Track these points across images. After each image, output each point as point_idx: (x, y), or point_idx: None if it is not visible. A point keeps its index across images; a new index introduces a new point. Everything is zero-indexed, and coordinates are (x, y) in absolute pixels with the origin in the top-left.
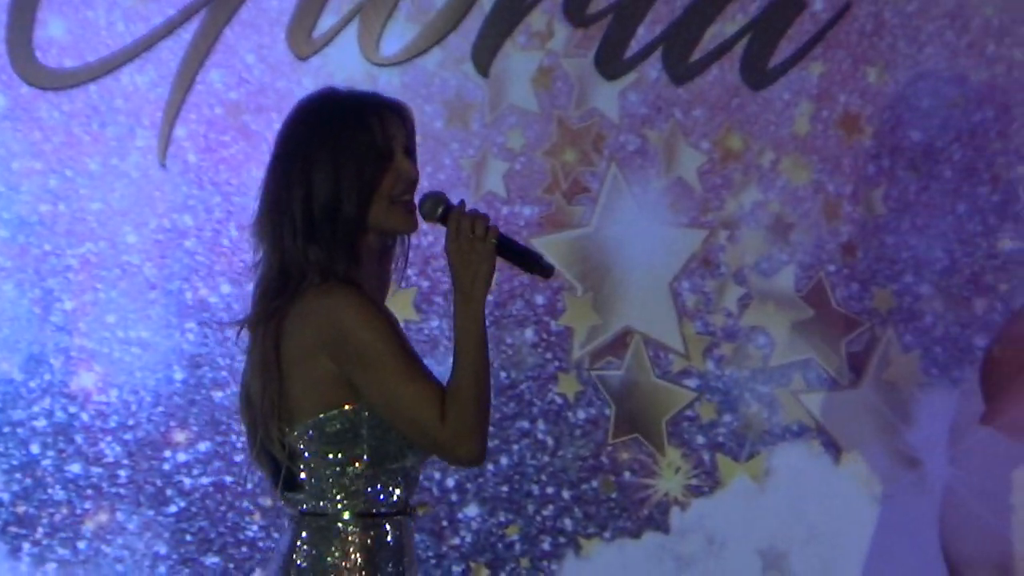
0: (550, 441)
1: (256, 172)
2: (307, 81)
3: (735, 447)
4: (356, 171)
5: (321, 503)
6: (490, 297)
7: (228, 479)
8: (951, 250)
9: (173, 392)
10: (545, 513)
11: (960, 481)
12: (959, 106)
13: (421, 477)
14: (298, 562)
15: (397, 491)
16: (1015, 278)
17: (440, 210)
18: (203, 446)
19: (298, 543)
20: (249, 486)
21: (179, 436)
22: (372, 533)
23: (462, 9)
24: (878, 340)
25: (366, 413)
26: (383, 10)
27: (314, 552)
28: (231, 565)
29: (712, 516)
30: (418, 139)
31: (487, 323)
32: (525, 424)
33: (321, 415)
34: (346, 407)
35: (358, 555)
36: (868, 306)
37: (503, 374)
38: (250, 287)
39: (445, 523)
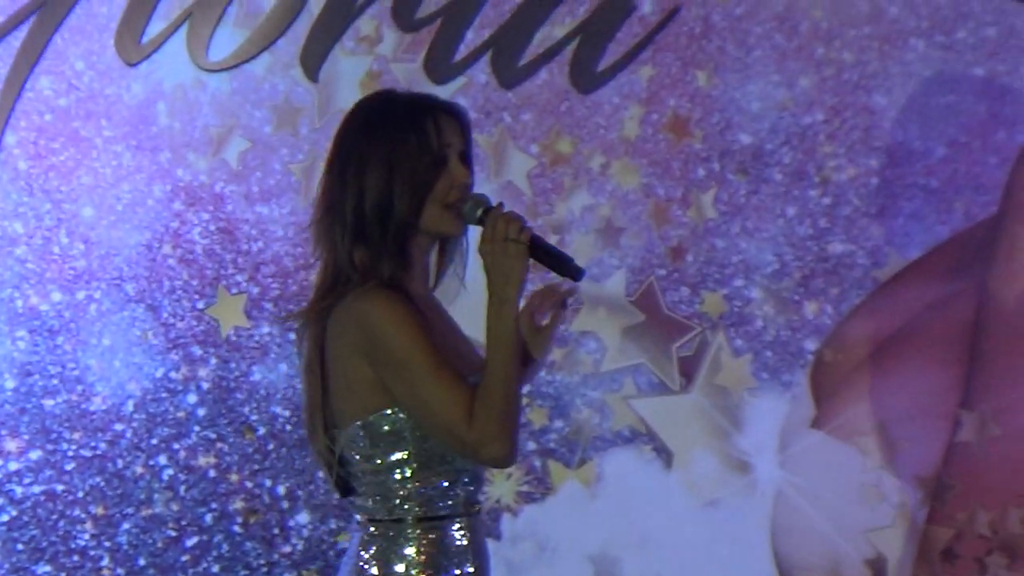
0: None
1: (86, 178)
2: (136, 87)
3: (566, 453)
4: (410, 173)
5: (379, 508)
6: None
7: (59, 488)
8: (781, 253)
9: (4, 400)
10: None
11: (791, 485)
12: (788, 109)
13: (483, 474)
14: (366, 568)
15: (457, 490)
16: (845, 281)
17: (480, 212)
18: (34, 455)
19: (362, 551)
20: (80, 494)
21: (10, 445)
22: (434, 536)
23: (290, 14)
24: (709, 344)
25: (405, 415)
26: (211, 15)
27: (380, 559)
28: (62, 574)
29: (543, 522)
30: (247, 145)
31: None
32: None
33: (367, 418)
34: (387, 411)
35: (424, 558)
36: (698, 310)
37: None
38: (81, 295)
39: (276, 531)
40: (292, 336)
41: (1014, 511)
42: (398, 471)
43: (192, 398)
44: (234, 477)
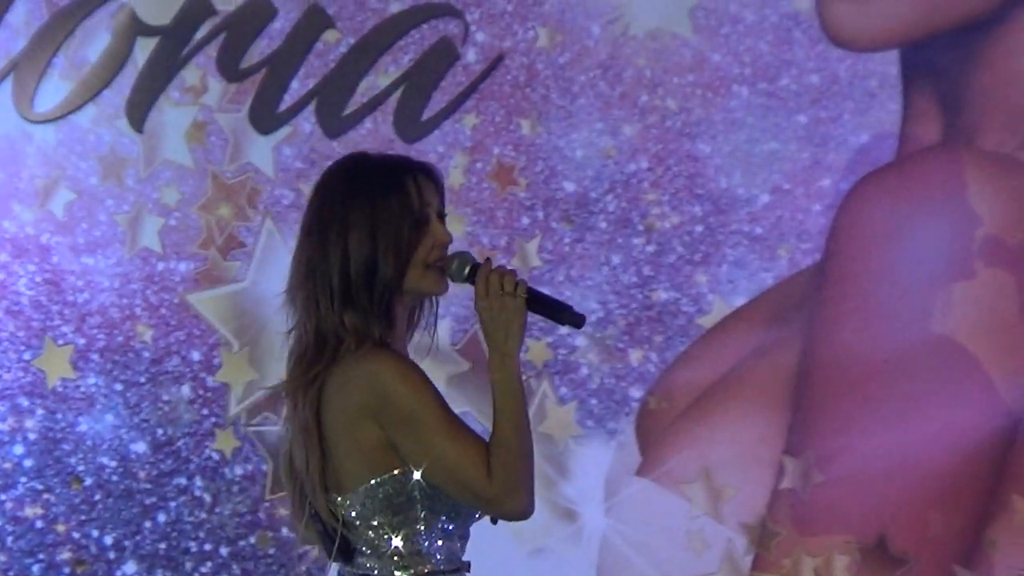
0: (207, 498)
1: None
2: None
3: None
4: (394, 235)
5: (380, 570)
6: (146, 353)
7: None
8: (606, 301)
9: None
10: (203, 570)
11: (616, 533)
12: (612, 157)
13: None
14: None
15: (455, 548)
16: (670, 329)
17: (467, 270)
18: None
19: None
20: None
21: None
22: None
23: (115, 65)
24: (533, 393)
25: (416, 476)
26: (37, 67)
27: None
28: None
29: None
30: (72, 195)
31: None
32: (182, 481)
33: (372, 481)
34: (396, 471)
35: None
36: (523, 358)
37: (159, 431)
38: None
39: None
40: (118, 387)
41: (839, 557)
42: (405, 531)
43: (19, 449)
44: (61, 528)
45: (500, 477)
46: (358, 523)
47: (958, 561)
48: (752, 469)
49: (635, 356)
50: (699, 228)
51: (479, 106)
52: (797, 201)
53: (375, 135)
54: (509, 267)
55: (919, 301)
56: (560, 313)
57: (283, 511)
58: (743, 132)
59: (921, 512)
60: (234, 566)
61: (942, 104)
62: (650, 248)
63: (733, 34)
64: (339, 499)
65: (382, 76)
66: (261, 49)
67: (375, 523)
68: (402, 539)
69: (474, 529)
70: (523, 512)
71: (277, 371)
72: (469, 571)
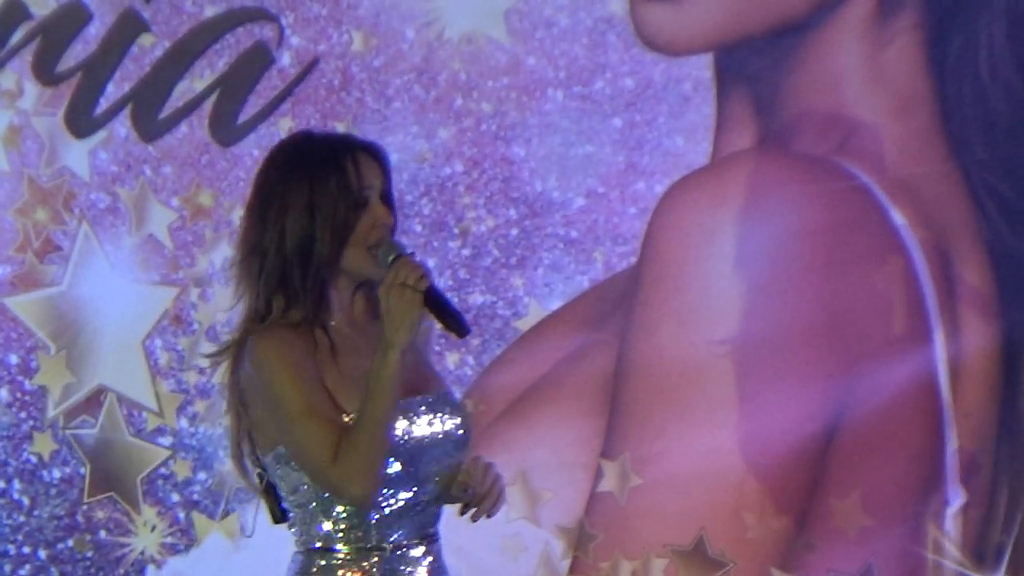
0: (25, 501)
1: None
2: None
3: (210, 505)
4: (331, 214)
5: (300, 537)
6: None
7: None
8: None
9: None
10: (21, 573)
11: None
12: (427, 160)
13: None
14: None
15: (354, 529)
16: (486, 332)
17: (391, 257)
18: None
19: None
20: None
21: None
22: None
23: None
24: None
25: None
26: None
27: None
28: None
29: (188, 574)
30: None
31: None
32: (0, 484)
33: (276, 450)
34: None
35: None
36: None
37: None
38: None
39: None
40: None
41: (656, 561)
42: (302, 501)
43: None
44: None
45: (344, 461)
46: (280, 488)
47: (776, 564)
48: (569, 472)
49: (451, 359)
50: (514, 231)
51: (294, 110)
52: (612, 205)
53: (191, 139)
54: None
55: (734, 304)
56: (449, 318)
57: (101, 514)
58: (558, 136)
59: (738, 515)
60: (52, 569)
61: (756, 107)
62: (465, 251)
63: (547, 38)
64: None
65: (197, 80)
66: (76, 53)
67: (287, 490)
68: (309, 510)
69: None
70: (360, 499)
71: (94, 374)
72: (375, 552)
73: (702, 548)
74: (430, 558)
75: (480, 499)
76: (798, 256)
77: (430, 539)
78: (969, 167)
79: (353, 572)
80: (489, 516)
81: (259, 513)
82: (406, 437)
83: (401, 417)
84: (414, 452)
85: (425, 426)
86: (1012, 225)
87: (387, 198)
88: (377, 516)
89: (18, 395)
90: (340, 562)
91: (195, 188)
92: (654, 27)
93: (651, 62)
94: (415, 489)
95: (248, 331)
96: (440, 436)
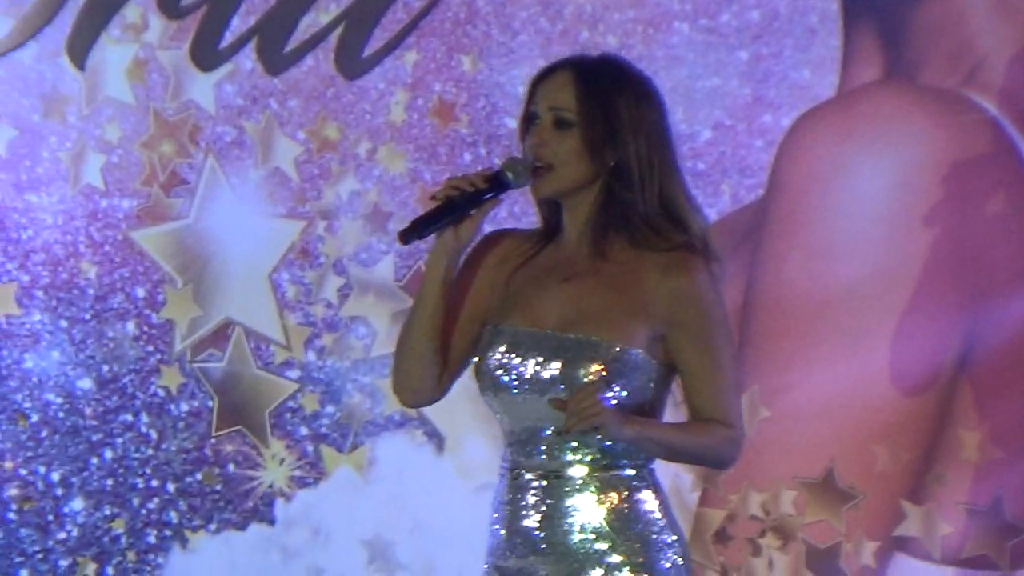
0: (153, 434)
1: None
2: None
3: (338, 438)
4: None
5: None
6: (90, 291)
7: None
8: None
9: None
10: (150, 506)
11: None
12: None
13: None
14: None
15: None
16: None
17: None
18: None
19: None
20: None
21: None
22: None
23: (56, 2)
24: None
25: None
26: None
27: None
28: None
29: (317, 507)
30: (15, 132)
31: None
32: (128, 418)
33: None
34: None
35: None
36: None
37: (104, 367)
38: None
39: (50, 517)
40: (63, 324)
41: (785, 492)
42: None
43: None
44: (8, 464)
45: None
46: None
47: (906, 496)
48: None
49: None
50: None
51: (419, 43)
52: (739, 137)
53: (316, 72)
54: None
55: (863, 236)
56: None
57: (229, 447)
58: (684, 68)
59: (867, 447)
60: (180, 503)
61: (884, 40)
62: None
63: None
64: None
65: (322, 13)
66: None
67: None
68: None
69: (421, 464)
70: (401, 400)
71: (220, 307)
72: (513, 476)
73: (831, 480)
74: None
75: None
76: (925, 190)
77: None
78: None
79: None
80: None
81: (389, 448)
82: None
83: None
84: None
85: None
86: None
87: (559, 118)
88: None
89: (145, 328)
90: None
91: (321, 121)
92: None
93: None
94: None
95: None
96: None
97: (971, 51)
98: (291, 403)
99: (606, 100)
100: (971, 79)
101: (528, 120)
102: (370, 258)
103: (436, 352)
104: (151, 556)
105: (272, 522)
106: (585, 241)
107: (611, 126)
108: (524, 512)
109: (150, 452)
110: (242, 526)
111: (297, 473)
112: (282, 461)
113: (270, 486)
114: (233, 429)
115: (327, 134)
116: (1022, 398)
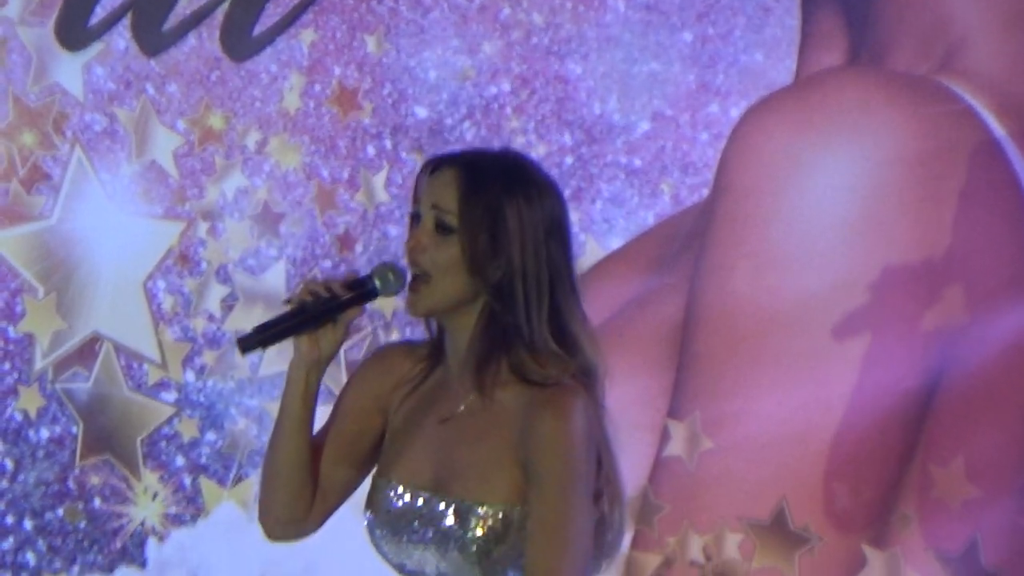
0: (9, 464)
1: None
2: None
3: (220, 469)
4: None
5: None
6: None
7: None
8: None
9: None
10: (4, 546)
11: None
12: (470, 78)
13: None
14: None
15: None
16: None
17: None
18: None
19: None
20: None
21: None
22: None
23: None
24: (380, 342)
25: None
26: None
27: None
28: None
29: (195, 548)
30: None
31: None
32: None
33: None
34: None
35: None
36: (370, 308)
37: None
38: None
39: None
40: None
41: (730, 535)
42: None
43: None
44: None
45: None
46: None
47: (868, 539)
48: (631, 434)
49: None
50: (569, 159)
51: (317, 20)
52: (681, 130)
53: (199, 53)
54: (351, 205)
55: (821, 244)
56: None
57: (95, 479)
58: (619, 51)
59: (824, 484)
60: (39, 541)
61: (847, 19)
62: None
63: None
64: None
65: None
66: None
67: None
68: None
69: None
70: (265, 532)
71: (87, 320)
72: None
73: (783, 521)
74: None
75: None
76: (893, 190)
77: None
78: None
79: None
80: None
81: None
82: None
83: None
84: None
85: None
86: None
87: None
88: None
89: (1, 344)
90: None
91: (204, 109)
92: None
93: None
94: None
95: None
96: None
97: (946, 33)
98: (167, 429)
99: (492, 204)
100: (946, 64)
101: (413, 218)
102: (258, 265)
103: (304, 476)
104: None
105: (143, 565)
106: (467, 371)
107: (495, 236)
108: None
109: (5, 484)
110: (109, 569)
111: (173, 510)
112: (155, 495)
113: (142, 524)
114: (100, 459)
115: (211, 123)
116: (1001, 429)
